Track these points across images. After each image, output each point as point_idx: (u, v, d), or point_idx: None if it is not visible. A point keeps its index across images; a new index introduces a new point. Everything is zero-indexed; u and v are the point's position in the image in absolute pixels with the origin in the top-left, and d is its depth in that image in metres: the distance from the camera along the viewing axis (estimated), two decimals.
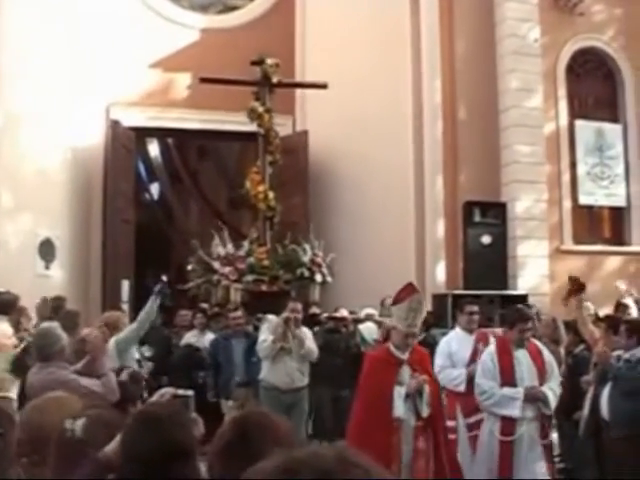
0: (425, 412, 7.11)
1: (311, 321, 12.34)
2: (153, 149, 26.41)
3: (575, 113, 18.62)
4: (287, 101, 17.94)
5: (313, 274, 14.99)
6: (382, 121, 16.64)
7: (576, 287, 9.81)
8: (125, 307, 15.84)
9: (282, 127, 17.48)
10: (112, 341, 9.62)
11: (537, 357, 8.01)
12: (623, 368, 7.96)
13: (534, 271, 16.84)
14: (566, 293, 10.16)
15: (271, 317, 10.78)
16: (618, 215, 18.93)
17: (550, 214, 17.41)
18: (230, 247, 15.01)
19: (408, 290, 7.25)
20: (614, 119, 19.12)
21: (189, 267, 16.17)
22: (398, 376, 7.15)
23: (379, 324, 11.44)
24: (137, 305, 17.33)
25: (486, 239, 16.28)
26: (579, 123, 18.51)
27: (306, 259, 15.00)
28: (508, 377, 7.86)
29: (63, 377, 6.33)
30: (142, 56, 17.99)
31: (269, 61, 15.87)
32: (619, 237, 18.90)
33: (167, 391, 3.55)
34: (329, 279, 15.20)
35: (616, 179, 18.62)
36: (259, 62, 15.88)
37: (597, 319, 11.30)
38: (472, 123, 17.08)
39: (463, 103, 17.17)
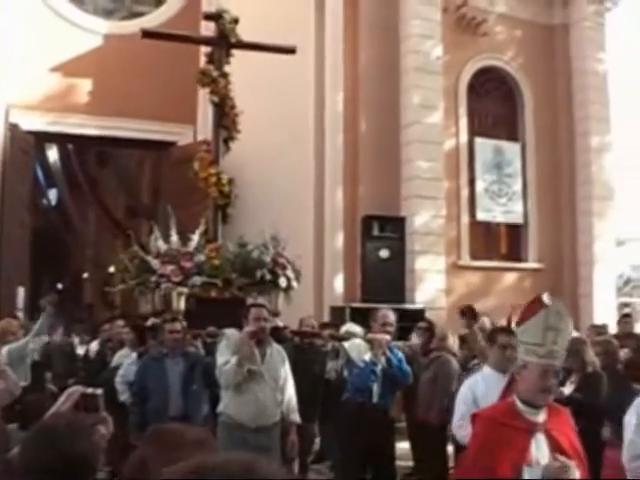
0: None
1: (275, 336, 9.17)
2: (52, 154, 26.04)
3: (475, 131, 19.00)
4: (188, 110, 17.85)
5: (276, 277, 12.33)
6: (284, 132, 16.59)
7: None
8: (20, 314, 15.37)
9: (182, 136, 17.44)
10: (5, 350, 9.45)
11: None
12: None
13: (431, 285, 16.99)
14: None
15: (231, 332, 8.18)
16: (515, 232, 19.32)
17: (448, 229, 17.66)
18: (175, 240, 12.08)
19: (538, 302, 4.86)
20: (513, 137, 19.55)
21: (111, 269, 13.70)
22: (529, 451, 4.61)
23: (371, 343, 8.82)
24: (33, 313, 17.06)
25: (384, 253, 16.41)
26: (479, 140, 18.85)
27: (268, 259, 12.40)
28: None
29: None
30: (43, 59, 17.61)
31: (227, 16, 13.28)
32: (515, 253, 19.29)
33: (76, 389, 3.47)
34: (295, 284, 12.66)
35: (514, 196, 18.98)
36: (215, 17, 13.41)
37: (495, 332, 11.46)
38: (374, 137, 17.15)
39: (365, 117, 17.24)
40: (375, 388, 8.45)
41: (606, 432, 7.82)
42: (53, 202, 29.06)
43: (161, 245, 12.06)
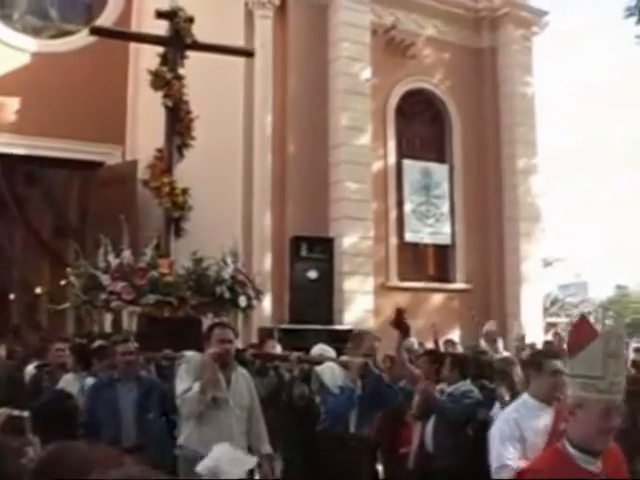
0: None
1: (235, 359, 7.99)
2: None
3: (403, 152, 19.11)
4: (117, 130, 17.78)
5: (236, 296, 11.50)
6: (213, 154, 16.57)
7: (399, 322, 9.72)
8: None
9: (111, 156, 17.34)
10: None
11: None
12: (447, 402, 8.03)
13: (359, 306, 17.04)
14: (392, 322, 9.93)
15: (191, 355, 7.35)
16: (442, 253, 19.48)
17: (376, 250, 17.73)
18: (127, 255, 11.16)
19: (586, 324, 4.13)
20: (441, 159, 19.71)
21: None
22: None
23: (345, 366, 8.05)
24: None
25: (312, 274, 16.42)
26: (407, 162, 18.95)
27: (227, 275, 11.61)
28: None
29: None
30: None
31: (181, 14, 12.12)
32: (443, 274, 19.43)
33: (3, 412, 3.45)
34: (255, 303, 12.14)
35: (441, 218, 19.13)
36: (169, 15, 12.13)
37: (424, 353, 11.49)
38: (302, 159, 17.19)
39: (293, 138, 17.28)
40: (352, 416, 7.84)
41: None
42: None
43: (112, 260, 11.10)
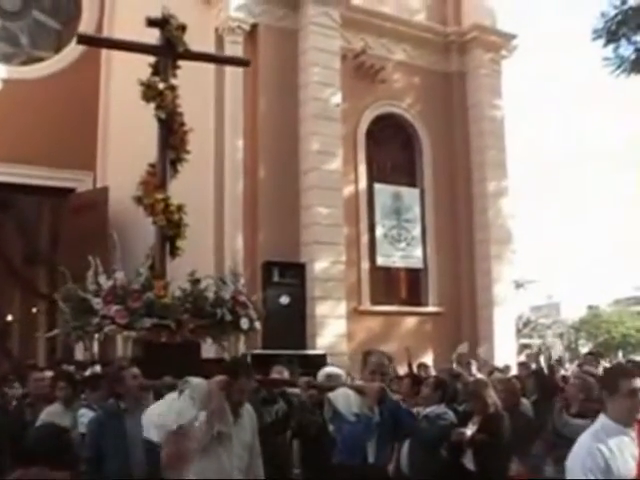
0: None
1: None
2: None
3: (374, 177, 19.19)
4: (88, 157, 17.74)
5: (238, 318, 10.85)
6: (183, 178, 16.54)
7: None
8: None
9: (82, 183, 17.26)
10: None
11: None
12: (423, 423, 8.08)
13: (332, 331, 17.00)
14: None
15: (197, 381, 6.59)
16: (414, 276, 19.52)
17: (348, 275, 17.72)
18: (121, 276, 10.37)
19: None
20: (412, 183, 19.81)
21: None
22: None
23: (360, 392, 7.23)
24: None
25: (284, 299, 16.39)
26: (378, 187, 19.05)
27: (227, 296, 10.96)
28: None
29: None
30: None
31: (174, 22, 11.33)
32: (415, 298, 19.48)
33: None
34: (257, 325, 11.39)
35: (413, 241, 19.20)
36: (161, 22, 11.34)
37: (396, 377, 11.50)
38: (273, 183, 17.20)
39: (265, 163, 17.28)
40: (371, 446, 7.06)
41: (514, 467, 8.03)
42: None
43: (103, 281, 10.23)
